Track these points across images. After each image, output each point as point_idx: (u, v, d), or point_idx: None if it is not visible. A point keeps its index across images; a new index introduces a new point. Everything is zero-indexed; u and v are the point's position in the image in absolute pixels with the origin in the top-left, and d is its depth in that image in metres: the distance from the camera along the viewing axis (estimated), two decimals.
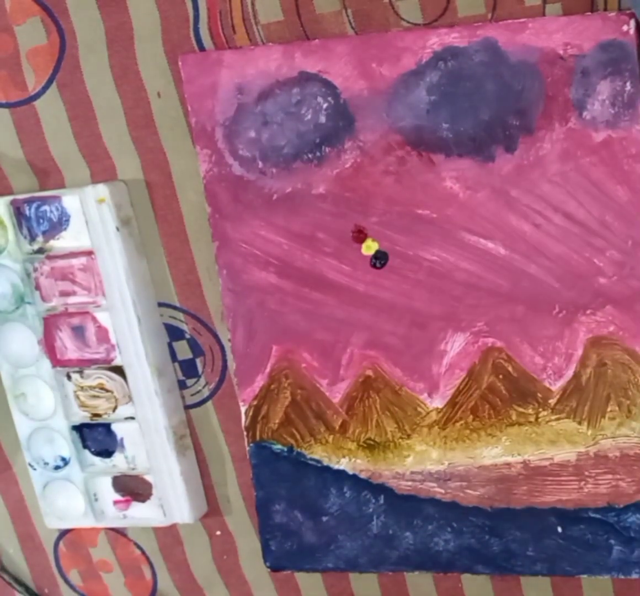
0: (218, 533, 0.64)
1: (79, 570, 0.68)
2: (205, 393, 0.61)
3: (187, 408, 0.62)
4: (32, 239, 0.60)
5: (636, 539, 0.54)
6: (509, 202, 0.52)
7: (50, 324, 0.61)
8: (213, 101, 0.55)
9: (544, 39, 0.49)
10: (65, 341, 0.61)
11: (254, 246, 0.56)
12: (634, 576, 0.54)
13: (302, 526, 0.60)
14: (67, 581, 0.69)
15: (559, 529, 0.55)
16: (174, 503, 0.61)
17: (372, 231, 0.54)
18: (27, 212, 0.60)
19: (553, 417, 0.54)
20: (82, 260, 0.60)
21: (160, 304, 0.60)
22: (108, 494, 0.64)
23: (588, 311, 0.52)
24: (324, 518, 0.59)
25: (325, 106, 0.53)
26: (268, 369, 0.58)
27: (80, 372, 0.62)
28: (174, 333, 0.61)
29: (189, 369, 0.61)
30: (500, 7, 0.50)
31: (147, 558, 0.66)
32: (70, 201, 0.59)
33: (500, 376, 0.54)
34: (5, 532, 0.69)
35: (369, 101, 0.52)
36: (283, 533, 0.60)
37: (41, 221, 0.60)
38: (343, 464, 0.58)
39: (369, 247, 0.55)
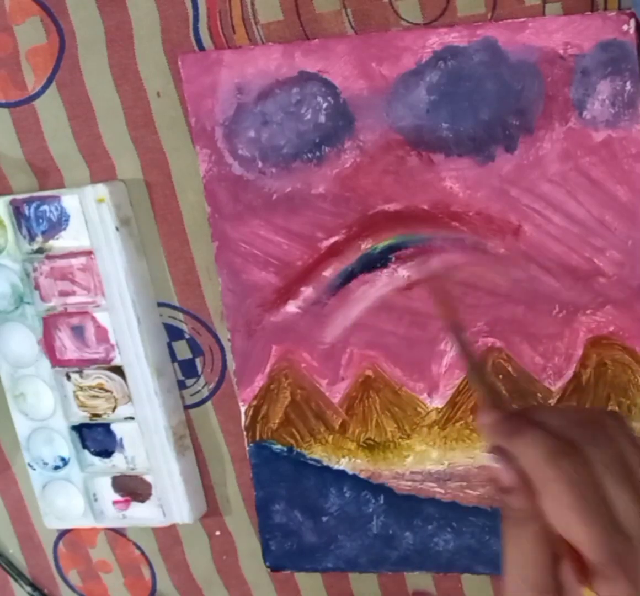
0: (217, 533, 0.64)
1: (79, 570, 0.68)
2: (205, 393, 0.61)
3: (187, 408, 0.62)
4: (32, 239, 0.60)
5: None
6: (509, 202, 0.52)
7: (49, 324, 0.61)
8: (213, 100, 0.55)
9: (544, 39, 0.49)
10: (65, 341, 0.61)
11: (254, 246, 0.56)
12: None
13: (302, 526, 0.60)
14: (66, 582, 0.69)
15: None
16: (173, 503, 0.61)
17: None
18: (27, 212, 0.60)
19: None
20: (82, 260, 0.59)
21: (160, 304, 0.60)
22: (107, 494, 0.64)
23: (588, 311, 0.52)
24: (324, 518, 0.59)
25: (325, 105, 0.53)
26: (268, 369, 0.58)
27: (80, 372, 0.62)
28: (173, 333, 0.61)
29: (188, 369, 0.61)
30: (500, 6, 0.50)
31: (147, 559, 0.66)
32: (69, 200, 0.59)
33: (500, 376, 0.54)
34: (5, 532, 0.69)
35: (368, 101, 0.52)
36: (283, 533, 0.60)
37: (40, 220, 0.60)
38: (343, 464, 0.58)
39: None
